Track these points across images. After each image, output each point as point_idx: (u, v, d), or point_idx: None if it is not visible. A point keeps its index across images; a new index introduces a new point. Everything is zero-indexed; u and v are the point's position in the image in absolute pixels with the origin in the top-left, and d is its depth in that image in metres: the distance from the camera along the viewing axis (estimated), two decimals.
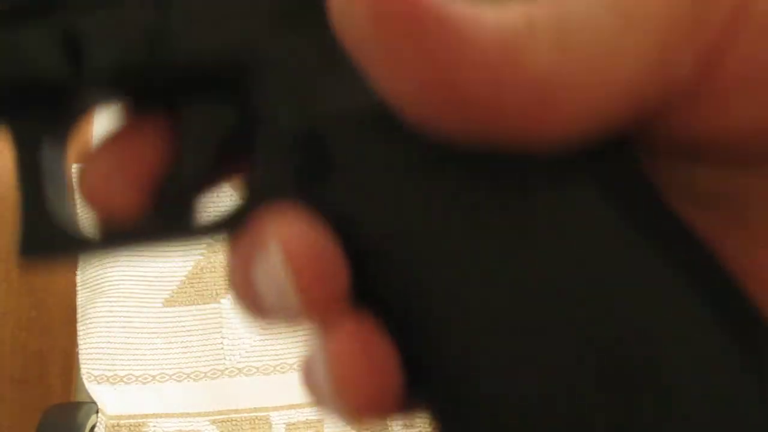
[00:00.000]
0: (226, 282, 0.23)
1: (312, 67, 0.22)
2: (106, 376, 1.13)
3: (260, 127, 0.22)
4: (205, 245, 0.25)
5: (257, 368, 1.15)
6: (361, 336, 0.20)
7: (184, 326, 1.16)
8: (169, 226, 0.24)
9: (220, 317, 1.16)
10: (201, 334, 1.15)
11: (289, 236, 0.20)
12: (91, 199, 0.25)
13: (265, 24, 0.22)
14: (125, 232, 0.24)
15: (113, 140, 0.25)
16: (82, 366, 1.14)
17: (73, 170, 0.26)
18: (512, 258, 0.19)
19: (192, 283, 1.17)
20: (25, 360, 1.35)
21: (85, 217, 0.25)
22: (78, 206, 0.25)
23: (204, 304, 1.17)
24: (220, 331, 1.16)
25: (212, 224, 0.23)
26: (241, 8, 0.22)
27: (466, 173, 0.20)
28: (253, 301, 0.22)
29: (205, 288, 1.17)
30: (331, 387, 0.20)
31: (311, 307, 0.20)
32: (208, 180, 0.24)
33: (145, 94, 0.24)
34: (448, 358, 0.20)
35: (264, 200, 0.22)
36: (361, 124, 0.21)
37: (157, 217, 0.24)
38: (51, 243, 0.24)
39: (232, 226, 0.23)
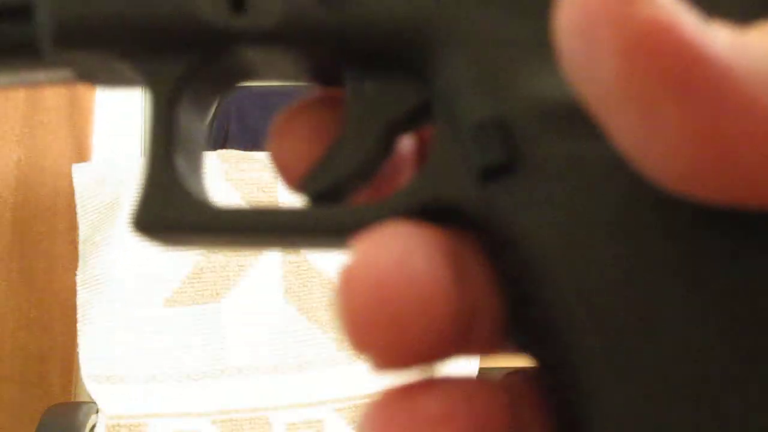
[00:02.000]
0: None
1: (511, 46, 0.19)
2: (106, 376, 1.13)
3: (441, 110, 0.19)
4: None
5: (257, 368, 1.15)
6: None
7: (184, 326, 1.16)
8: (318, 214, 0.20)
9: (220, 317, 1.16)
10: (201, 334, 1.16)
11: (360, 262, 0.17)
12: (276, 163, 0.22)
13: None
14: (262, 214, 0.20)
15: (304, 105, 0.22)
16: (82, 366, 1.14)
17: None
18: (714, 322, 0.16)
19: (192, 283, 1.18)
20: (25, 360, 1.35)
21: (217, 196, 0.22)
22: (209, 183, 0.22)
23: (204, 304, 1.17)
24: (220, 331, 1.16)
25: (369, 224, 0.19)
26: None
27: (691, 218, 0.16)
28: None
29: (205, 288, 1.17)
30: None
31: (366, 353, 0.17)
32: (370, 167, 0.21)
33: (310, 65, 0.21)
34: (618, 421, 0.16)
35: (433, 196, 0.19)
36: (565, 120, 0.18)
37: (308, 201, 0.21)
38: (174, 212, 0.20)
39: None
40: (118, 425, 1.12)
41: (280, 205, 0.21)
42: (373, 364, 0.17)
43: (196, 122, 0.22)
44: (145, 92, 0.21)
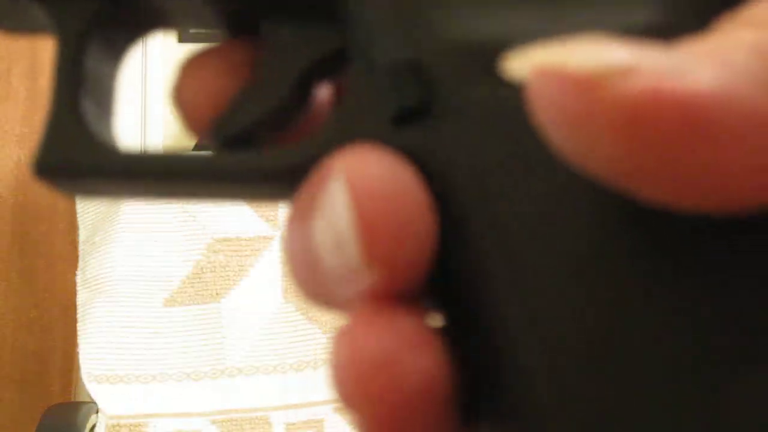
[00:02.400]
0: (282, 253, 0.19)
1: None
2: (106, 376, 1.13)
3: (357, 53, 0.19)
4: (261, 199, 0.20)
5: (257, 368, 1.15)
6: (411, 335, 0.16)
7: (184, 326, 1.16)
8: (226, 159, 0.19)
9: (220, 317, 1.16)
10: (201, 334, 1.15)
11: (362, 171, 0.16)
12: (179, 104, 0.21)
13: None
14: (166, 157, 0.19)
15: (216, 48, 0.22)
16: (82, 366, 1.14)
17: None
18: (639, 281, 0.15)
19: (192, 283, 1.17)
20: (25, 360, 1.35)
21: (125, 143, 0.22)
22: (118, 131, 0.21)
23: (204, 304, 1.17)
24: (220, 331, 1.16)
25: (278, 168, 0.19)
26: None
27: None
28: (308, 269, 0.17)
29: (205, 288, 1.17)
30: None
31: (376, 269, 0.16)
32: (283, 114, 0.20)
33: (224, 9, 0.21)
34: (540, 388, 0.16)
35: (348, 140, 0.18)
36: (489, 62, 0.17)
37: (217, 147, 0.20)
38: (78, 156, 0.19)
39: (301, 172, 0.18)
40: (118, 425, 1.12)
41: None
42: (382, 281, 0.16)
43: (106, 68, 0.21)
44: (53, 36, 0.20)
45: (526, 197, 0.16)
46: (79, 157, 0.19)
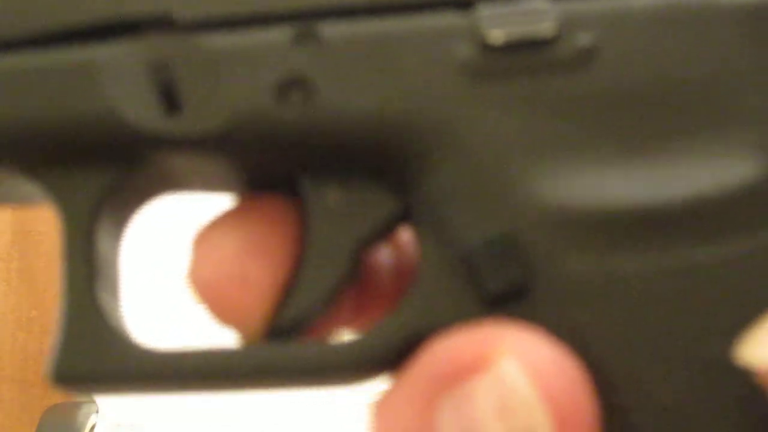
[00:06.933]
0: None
1: (516, 148, 0.16)
2: None
3: (427, 222, 0.17)
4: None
5: None
6: None
7: (185, 326, 1.16)
8: (277, 357, 0.17)
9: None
10: (201, 335, 1.15)
11: (535, 354, 0.15)
12: (205, 292, 0.19)
13: (452, 83, 0.16)
14: (211, 357, 0.17)
15: (229, 219, 0.19)
16: None
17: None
18: None
19: None
20: (25, 360, 1.35)
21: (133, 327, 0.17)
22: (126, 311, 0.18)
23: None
24: (221, 332, 1.16)
25: (348, 359, 0.17)
26: (417, 59, 0.16)
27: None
28: None
29: None
30: None
31: None
32: (338, 291, 0.18)
33: (255, 172, 0.18)
34: None
35: (435, 323, 0.16)
36: (583, 227, 0.16)
37: (265, 342, 0.18)
38: (106, 360, 0.17)
39: (387, 361, 0.17)
40: (118, 425, 1.12)
41: None
42: None
43: (114, 244, 0.18)
44: (56, 213, 0.17)
45: (663, 382, 0.15)
46: (108, 360, 0.17)
